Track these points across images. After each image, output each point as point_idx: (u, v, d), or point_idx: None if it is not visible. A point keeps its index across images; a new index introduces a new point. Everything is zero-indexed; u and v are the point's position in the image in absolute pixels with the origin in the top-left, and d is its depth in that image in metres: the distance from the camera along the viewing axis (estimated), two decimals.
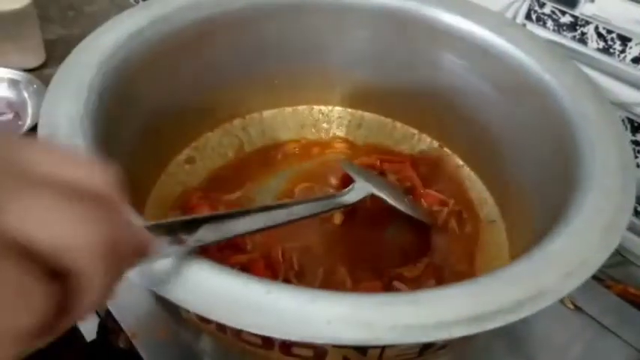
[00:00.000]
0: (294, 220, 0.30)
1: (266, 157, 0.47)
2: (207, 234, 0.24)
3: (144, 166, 0.39)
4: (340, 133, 0.50)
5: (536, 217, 0.35)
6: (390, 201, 0.38)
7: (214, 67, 0.43)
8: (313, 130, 0.50)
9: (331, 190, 0.45)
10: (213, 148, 0.45)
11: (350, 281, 0.38)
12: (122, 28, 0.36)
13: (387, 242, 0.41)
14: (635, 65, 0.41)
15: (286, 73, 0.47)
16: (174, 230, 0.23)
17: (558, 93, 0.35)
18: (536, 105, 0.37)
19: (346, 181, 0.44)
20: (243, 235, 0.27)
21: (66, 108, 0.30)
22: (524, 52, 0.38)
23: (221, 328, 0.26)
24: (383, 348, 0.25)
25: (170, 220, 0.23)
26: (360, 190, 0.38)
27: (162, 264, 0.22)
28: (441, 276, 0.38)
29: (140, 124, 0.37)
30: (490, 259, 0.40)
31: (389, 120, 0.49)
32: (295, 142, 0.49)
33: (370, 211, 0.42)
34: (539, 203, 0.35)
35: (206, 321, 0.27)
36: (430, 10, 0.42)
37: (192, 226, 0.24)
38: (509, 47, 0.39)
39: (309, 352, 0.26)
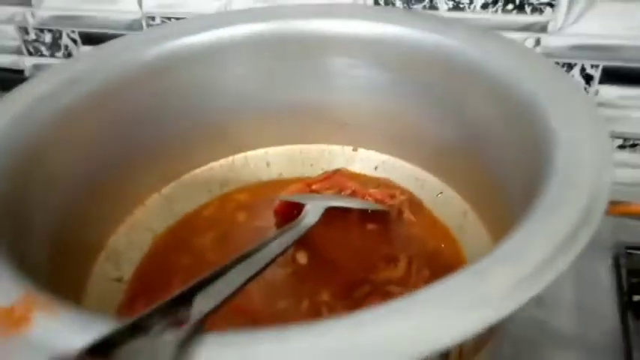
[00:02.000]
0: (274, 259, 0.26)
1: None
2: (203, 303, 0.19)
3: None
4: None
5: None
6: (349, 204, 0.36)
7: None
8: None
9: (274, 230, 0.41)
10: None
11: (339, 303, 0.35)
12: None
13: (358, 255, 0.39)
14: (485, 10, 0.44)
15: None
16: (167, 313, 0.18)
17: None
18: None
19: (283, 216, 0.42)
20: (236, 293, 0.22)
21: None
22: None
23: None
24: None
25: (161, 302, 0.18)
26: (315, 207, 0.35)
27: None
28: (431, 264, 0.36)
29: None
30: (462, 231, 0.39)
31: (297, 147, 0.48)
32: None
33: (327, 235, 0.39)
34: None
35: None
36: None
37: (184, 301, 0.19)
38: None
39: None
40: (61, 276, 0.32)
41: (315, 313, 0.35)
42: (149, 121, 0.40)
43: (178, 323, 0.18)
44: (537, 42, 0.46)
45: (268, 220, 0.43)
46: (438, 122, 0.41)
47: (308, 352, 0.16)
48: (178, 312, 0.18)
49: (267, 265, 0.25)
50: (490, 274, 0.19)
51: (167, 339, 0.17)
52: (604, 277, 0.41)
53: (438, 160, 0.42)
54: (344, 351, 0.16)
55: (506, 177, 0.35)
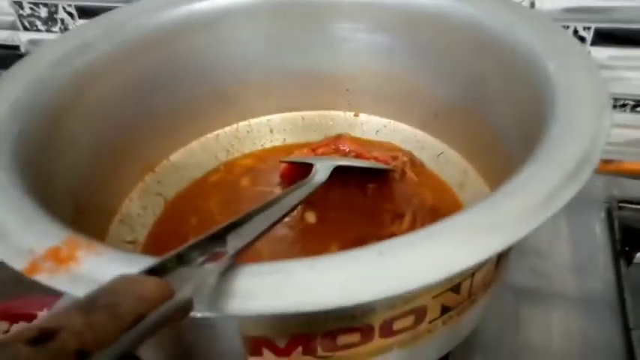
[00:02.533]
0: (291, 209, 0.28)
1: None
2: (235, 241, 0.21)
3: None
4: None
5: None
6: (355, 163, 0.37)
7: None
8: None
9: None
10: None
11: None
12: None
13: (364, 213, 0.40)
14: None
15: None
16: (204, 249, 0.19)
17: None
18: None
19: (289, 179, 0.43)
20: (262, 235, 0.23)
21: None
22: None
23: (310, 347, 0.22)
24: (472, 275, 0.23)
25: (198, 238, 0.19)
26: (324, 167, 0.36)
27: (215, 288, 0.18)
28: (434, 219, 0.38)
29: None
30: (463, 187, 0.40)
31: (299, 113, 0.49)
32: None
33: (334, 195, 0.40)
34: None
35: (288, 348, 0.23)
36: None
37: (218, 240, 0.20)
38: None
39: (409, 321, 0.23)
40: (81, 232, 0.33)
41: None
42: (157, 88, 0.41)
43: (216, 257, 0.19)
44: (532, 5, 0.47)
45: (273, 184, 0.44)
46: (436, 83, 0.42)
47: (338, 276, 0.18)
48: (214, 248, 0.20)
49: (285, 215, 0.27)
50: (503, 205, 0.20)
51: (208, 268, 0.18)
52: (598, 229, 0.43)
53: (437, 122, 0.44)
54: (372, 275, 0.18)
55: (505, 131, 0.37)
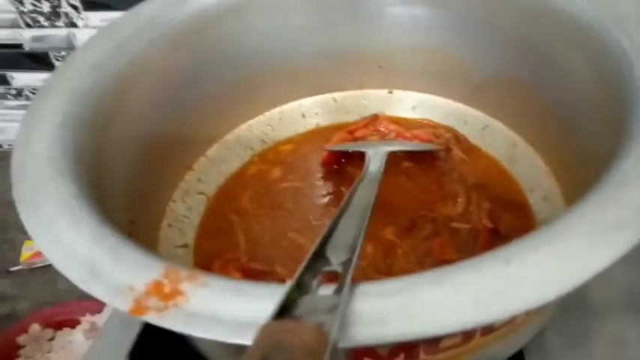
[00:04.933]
0: (372, 212, 0.26)
1: None
2: (337, 255, 0.20)
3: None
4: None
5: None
6: (406, 147, 0.36)
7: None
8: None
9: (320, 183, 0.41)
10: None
11: (405, 243, 0.35)
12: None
13: (414, 195, 0.39)
14: None
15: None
16: (313, 271, 0.18)
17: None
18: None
19: (331, 166, 0.42)
20: (362, 243, 0.22)
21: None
22: None
23: (413, 353, 0.22)
24: None
25: (305, 261, 0.18)
26: (377, 155, 0.35)
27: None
28: (488, 196, 0.37)
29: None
30: (513, 161, 0.39)
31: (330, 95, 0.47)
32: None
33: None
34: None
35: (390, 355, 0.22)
36: None
37: (318, 257, 0.19)
38: None
39: None
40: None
41: (383, 253, 0.36)
42: (189, 83, 0.39)
43: (328, 278, 0.18)
44: None
45: (313, 172, 0.43)
46: (477, 54, 0.40)
47: (467, 293, 0.17)
48: (321, 267, 0.19)
49: (371, 216, 0.25)
50: (617, 201, 0.19)
51: (326, 294, 0.17)
52: None
53: (479, 93, 0.42)
54: (503, 289, 0.17)
55: (562, 103, 0.36)
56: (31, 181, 0.24)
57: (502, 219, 0.36)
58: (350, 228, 0.23)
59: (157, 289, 0.18)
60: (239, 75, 0.42)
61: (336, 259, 0.20)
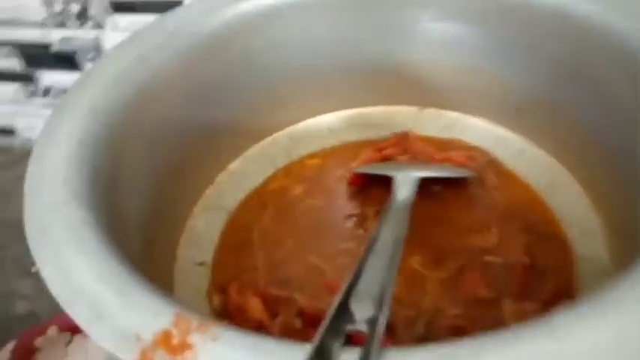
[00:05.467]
0: (401, 251, 0.25)
1: None
2: (363, 310, 0.18)
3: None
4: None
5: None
6: (439, 173, 0.34)
7: None
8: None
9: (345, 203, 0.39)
10: None
11: (434, 275, 0.33)
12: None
13: (444, 223, 0.37)
14: None
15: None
16: (336, 330, 0.17)
17: None
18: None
19: (357, 185, 0.40)
20: (390, 292, 0.20)
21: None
22: None
23: None
24: None
25: (327, 319, 0.16)
26: (407, 180, 0.33)
27: None
28: (524, 229, 0.35)
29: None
30: (552, 192, 0.37)
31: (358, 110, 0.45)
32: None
33: None
34: None
35: None
36: None
37: (344, 311, 0.18)
38: None
39: None
40: (151, 264, 0.31)
41: (408, 286, 0.34)
42: (214, 96, 0.37)
43: (353, 339, 0.17)
44: None
45: (337, 191, 0.41)
46: (518, 74, 0.38)
47: None
48: (344, 325, 0.17)
49: (400, 257, 0.23)
50: None
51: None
52: None
53: (519, 116, 0.40)
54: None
55: (605, 132, 0.33)
56: (42, 203, 0.23)
57: (538, 254, 0.34)
58: (377, 271, 0.21)
59: (165, 339, 0.17)
60: (264, 88, 0.41)
61: (361, 313, 0.18)
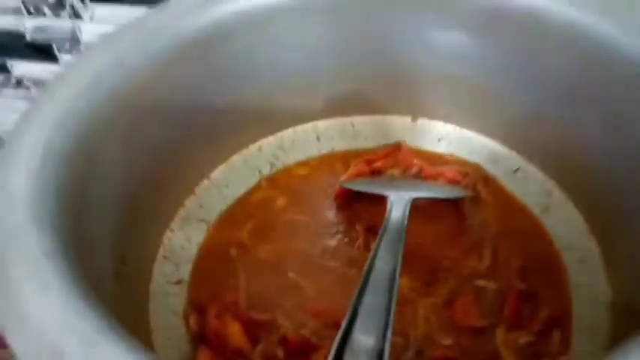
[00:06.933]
0: (397, 285, 0.23)
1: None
2: (366, 340, 0.16)
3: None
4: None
5: None
6: (434, 194, 0.32)
7: None
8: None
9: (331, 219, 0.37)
10: None
11: (426, 301, 0.32)
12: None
13: (434, 244, 0.35)
14: None
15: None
16: None
17: None
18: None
19: (344, 198, 0.38)
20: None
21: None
22: None
23: None
24: None
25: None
26: (400, 200, 0.31)
27: None
28: (519, 252, 0.33)
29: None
30: (547, 212, 0.36)
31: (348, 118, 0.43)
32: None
33: None
34: None
35: None
36: None
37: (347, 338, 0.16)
38: None
39: None
40: (125, 287, 0.29)
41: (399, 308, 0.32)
42: (196, 100, 0.35)
43: None
44: None
45: (324, 205, 0.39)
46: (517, 88, 0.36)
47: None
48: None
49: (396, 295, 0.22)
50: None
51: None
52: None
53: (514, 131, 0.38)
54: None
55: (604, 152, 0.32)
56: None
57: (533, 280, 0.33)
58: (377, 304, 0.20)
59: None
60: (252, 92, 0.38)
61: (366, 342, 0.16)
